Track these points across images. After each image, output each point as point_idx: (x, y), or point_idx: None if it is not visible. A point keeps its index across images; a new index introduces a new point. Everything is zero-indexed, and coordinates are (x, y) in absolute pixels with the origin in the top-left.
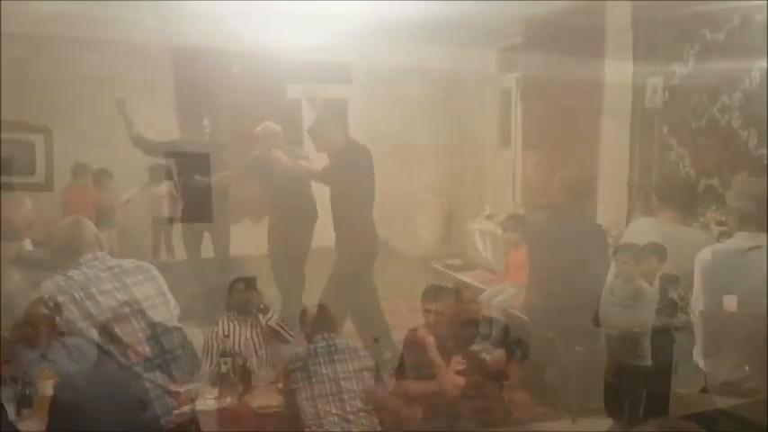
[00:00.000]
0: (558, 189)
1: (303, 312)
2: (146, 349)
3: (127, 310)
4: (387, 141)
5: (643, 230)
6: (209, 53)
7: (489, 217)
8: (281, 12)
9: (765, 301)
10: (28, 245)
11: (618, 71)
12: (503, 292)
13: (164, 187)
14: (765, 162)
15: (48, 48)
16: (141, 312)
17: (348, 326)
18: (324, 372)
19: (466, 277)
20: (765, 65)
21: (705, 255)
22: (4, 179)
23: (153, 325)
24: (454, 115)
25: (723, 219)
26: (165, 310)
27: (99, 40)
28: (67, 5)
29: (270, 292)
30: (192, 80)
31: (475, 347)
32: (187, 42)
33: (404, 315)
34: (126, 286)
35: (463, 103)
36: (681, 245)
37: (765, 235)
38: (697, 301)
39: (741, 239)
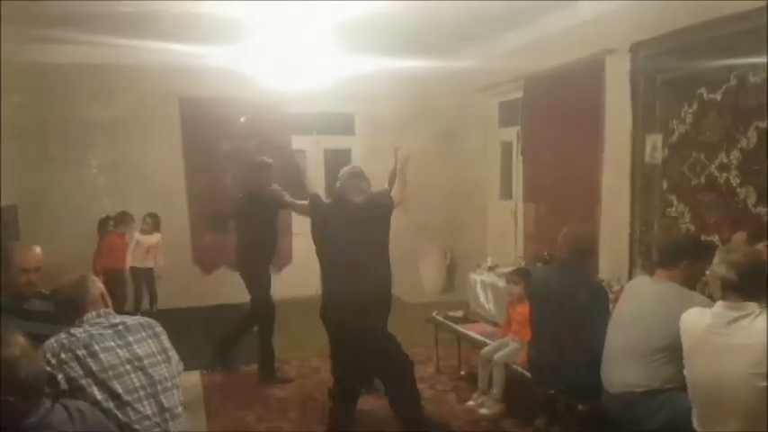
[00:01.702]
0: (562, 245)
1: None
2: (145, 407)
3: (128, 367)
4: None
5: (637, 288)
6: (216, 101)
7: (491, 268)
8: (287, 59)
9: (751, 373)
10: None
11: (617, 127)
12: (505, 347)
13: (153, 237)
14: (765, 220)
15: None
16: (142, 369)
17: None
18: None
19: (467, 330)
20: (763, 124)
21: (691, 318)
22: None
23: (153, 383)
24: (456, 166)
25: None
26: (167, 367)
27: (104, 87)
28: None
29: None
30: (199, 128)
31: (471, 402)
32: (195, 91)
33: None
34: (129, 344)
35: (465, 154)
36: (673, 305)
37: (748, 305)
38: (687, 366)
39: (722, 309)
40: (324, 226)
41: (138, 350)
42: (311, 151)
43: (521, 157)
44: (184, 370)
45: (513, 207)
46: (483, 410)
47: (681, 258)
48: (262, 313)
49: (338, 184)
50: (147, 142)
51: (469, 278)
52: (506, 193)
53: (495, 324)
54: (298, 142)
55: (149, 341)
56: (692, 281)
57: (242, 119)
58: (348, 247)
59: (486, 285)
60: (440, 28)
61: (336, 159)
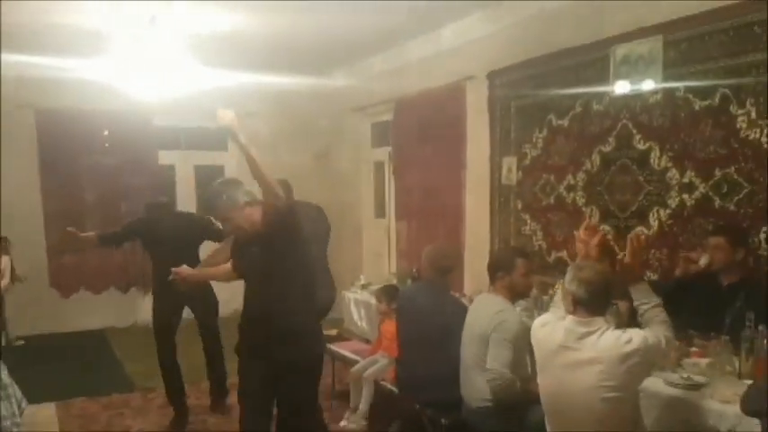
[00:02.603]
0: (425, 263)
1: None
2: None
3: None
4: None
5: (476, 304)
6: (77, 114)
7: (365, 286)
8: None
9: (600, 385)
10: None
11: (477, 149)
12: (375, 364)
13: (2, 261)
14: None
15: None
16: None
17: None
18: None
19: (340, 348)
20: (605, 149)
21: (542, 332)
22: None
23: None
24: (332, 184)
25: None
26: (5, 405)
27: None
28: None
29: None
30: (57, 141)
31: (343, 422)
32: (53, 103)
33: None
34: None
35: (340, 173)
36: (492, 318)
37: (596, 320)
38: (540, 378)
39: (572, 324)
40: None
41: None
42: (180, 167)
43: (393, 177)
44: (39, 401)
45: (387, 225)
46: (346, 425)
47: (496, 271)
48: (212, 337)
49: None
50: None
51: (344, 296)
52: (381, 211)
53: (367, 341)
54: (166, 157)
55: None
56: (516, 291)
57: (105, 132)
58: None
59: (359, 303)
60: (310, 48)
61: (208, 176)
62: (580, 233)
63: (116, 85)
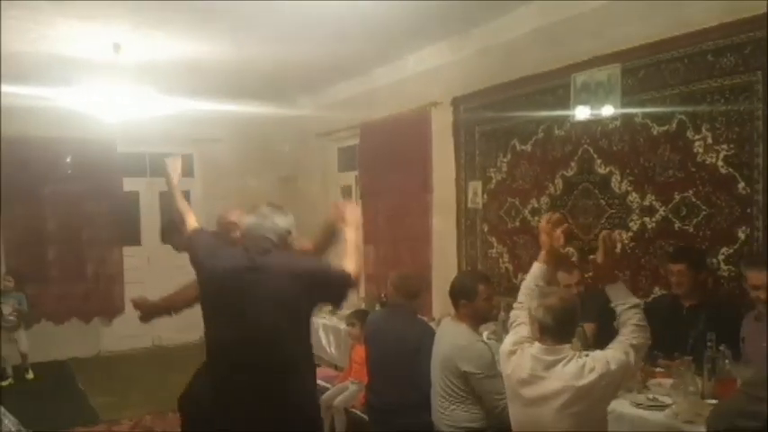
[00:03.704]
0: (391, 289)
1: None
2: None
3: None
4: None
5: (440, 330)
6: (37, 141)
7: (333, 311)
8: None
9: (567, 413)
10: None
11: (443, 174)
12: (345, 390)
13: None
14: (573, 258)
15: None
16: None
17: None
18: None
19: None
20: (567, 173)
21: (511, 363)
22: None
23: None
24: (298, 209)
25: None
26: None
27: None
28: None
29: None
30: (19, 169)
31: None
32: (12, 131)
33: None
34: None
35: (307, 197)
36: (454, 347)
37: (563, 347)
38: (510, 406)
39: (540, 353)
40: None
41: None
42: (145, 193)
43: (360, 201)
44: None
45: None
46: None
47: (458, 299)
48: None
49: None
50: None
51: (312, 322)
52: None
53: (336, 368)
54: (130, 184)
55: None
56: (480, 316)
57: (68, 158)
58: None
59: (327, 329)
60: (275, 76)
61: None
62: (542, 224)
63: (80, 112)
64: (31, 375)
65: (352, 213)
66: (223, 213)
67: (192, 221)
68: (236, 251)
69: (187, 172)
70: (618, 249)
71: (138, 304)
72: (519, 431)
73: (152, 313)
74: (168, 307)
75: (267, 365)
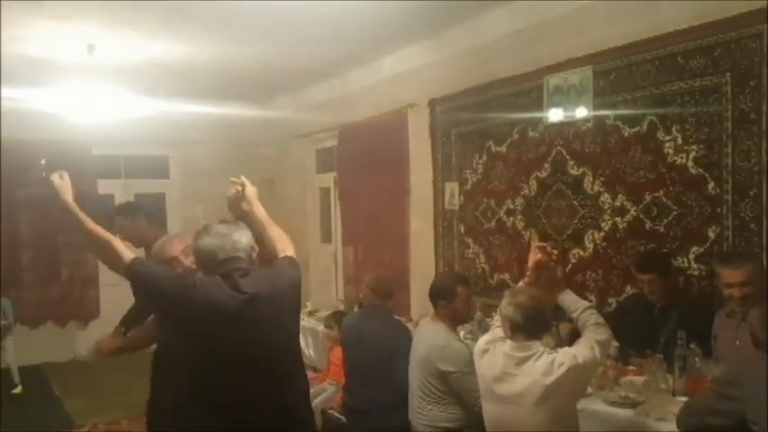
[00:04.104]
0: (365, 290)
1: None
2: None
3: None
4: None
5: (419, 331)
6: (8, 144)
7: (312, 313)
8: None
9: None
10: None
11: (420, 175)
12: (323, 392)
13: None
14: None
15: None
16: None
17: None
18: None
19: None
20: (541, 174)
21: (484, 361)
22: None
23: None
24: (277, 211)
25: None
26: None
27: None
28: None
29: None
30: None
31: None
32: None
33: None
34: None
35: (285, 199)
36: (433, 347)
37: (533, 344)
38: (484, 405)
39: (511, 349)
40: None
41: None
42: (120, 196)
43: (338, 202)
44: None
45: (333, 250)
46: None
47: (437, 300)
48: None
49: None
50: None
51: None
52: (327, 236)
53: (315, 369)
54: (105, 186)
55: None
56: (458, 317)
57: (42, 161)
58: None
59: (306, 330)
60: (253, 77)
61: (149, 204)
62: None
63: (54, 114)
64: (18, 390)
65: (250, 188)
66: (160, 247)
67: (121, 247)
68: (211, 279)
69: (162, 174)
70: (553, 261)
71: (101, 348)
72: (493, 429)
73: (116, 354)
74: (134, 347)
75: (265, 387)
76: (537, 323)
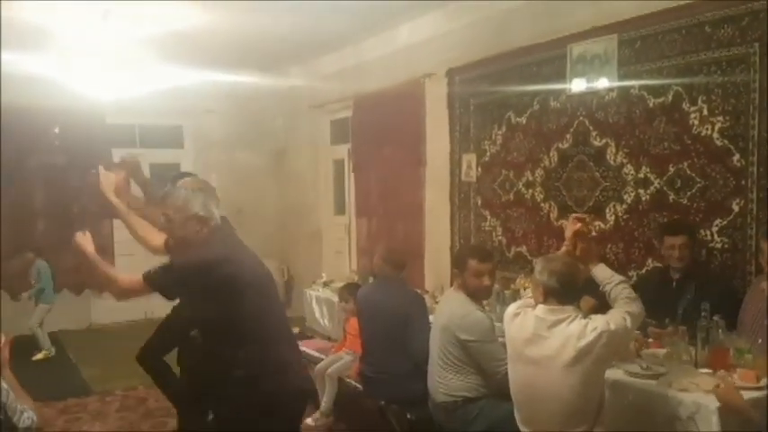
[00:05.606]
0: (378, 261)
1: None
2: None
3: None
4: (222, 206)
5: (443, 301)
6: (23, 111)
7: (326, 284)
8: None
9: (566, 369)
10: None
11: (437, 146)
12: (339, 360)
13: None
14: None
15: None
16: None
17: None
18: None
19: (303, 346)
20: (562, 146)
21: (514, 325)
22: None
23: None
24: (290, 182)
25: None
26: None
27: None
28: None
29: None
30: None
31: (309, 421)
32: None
33: None
34: None
35: (299, 170)
36: (454, 315)
37: (566, 308)
38: (511, 370)
39: (544, 313)
40: None
41: None
42: None
43: (352, 174)
44: None
45: (347, 222)
46: (311, 422)
47: (453, 267)
48: None
49: None
50: None
51: (305, 294)
52: (341, 208)
53: (330, 339)
54: (119, 156)
55: None
56: (468, 291)
57: (56, 129)
58: None
59: (321, 301)
60: (267, 47)
61: (164, 174)
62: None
63: (67, 82)
64: (41, 356)
65: (107, 178)
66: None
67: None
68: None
69: (177, 144)
70: (593, 233)
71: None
72: (519, 392)
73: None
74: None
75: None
76: (571, 289)
